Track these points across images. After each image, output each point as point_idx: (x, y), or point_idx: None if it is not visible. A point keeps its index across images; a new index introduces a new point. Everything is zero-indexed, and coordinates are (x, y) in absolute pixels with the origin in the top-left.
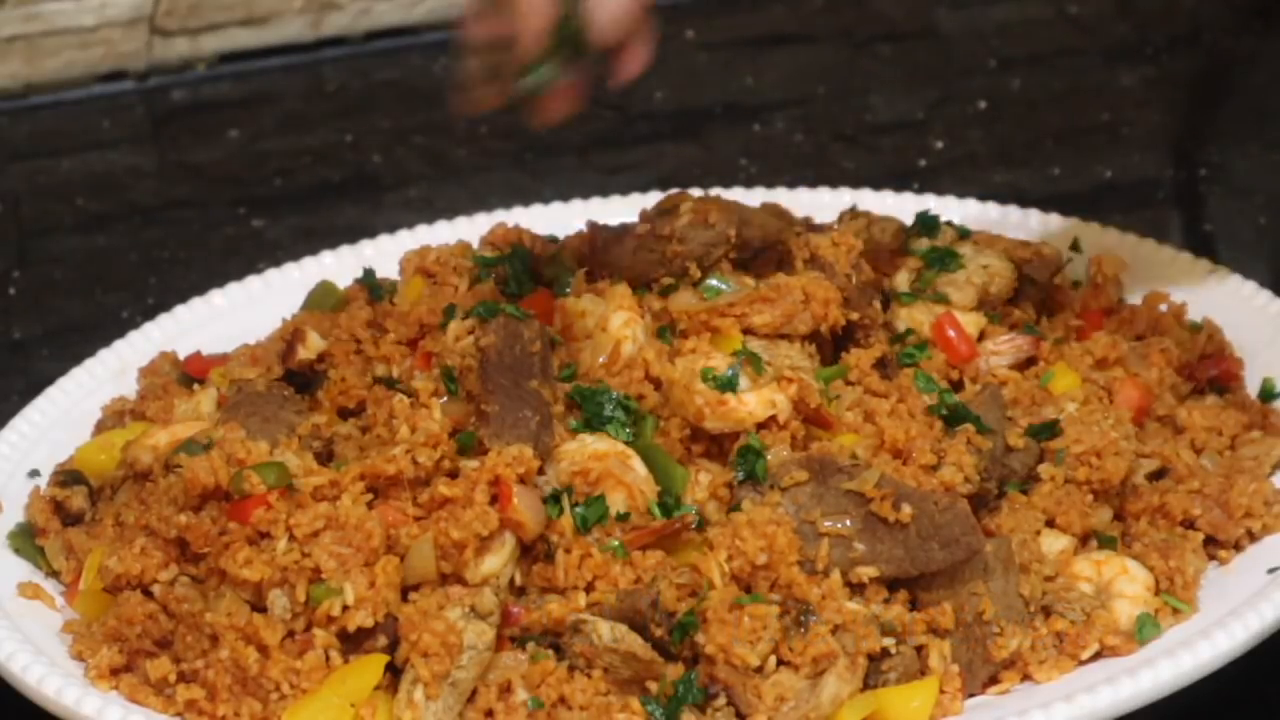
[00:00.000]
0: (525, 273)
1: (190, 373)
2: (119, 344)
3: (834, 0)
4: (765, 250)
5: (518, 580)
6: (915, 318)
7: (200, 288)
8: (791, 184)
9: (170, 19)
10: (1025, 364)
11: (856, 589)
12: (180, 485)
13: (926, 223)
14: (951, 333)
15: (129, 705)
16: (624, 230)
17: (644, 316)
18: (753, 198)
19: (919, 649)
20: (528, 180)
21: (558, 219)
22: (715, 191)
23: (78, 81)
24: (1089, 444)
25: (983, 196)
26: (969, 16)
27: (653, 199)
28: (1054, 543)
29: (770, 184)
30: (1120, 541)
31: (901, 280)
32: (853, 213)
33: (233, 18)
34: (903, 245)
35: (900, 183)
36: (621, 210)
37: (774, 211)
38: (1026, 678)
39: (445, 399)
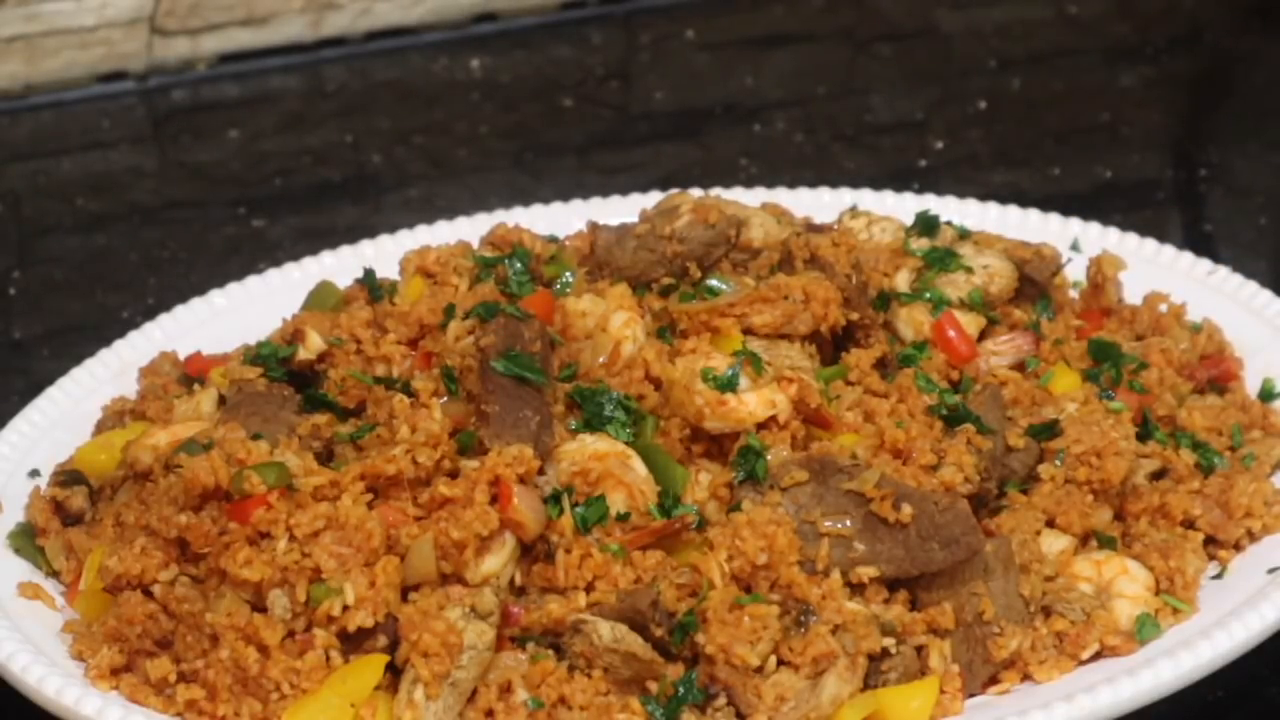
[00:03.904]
0: (525, 273)
1: (190, 373)
2: (119, 344)
3: (834, 0)
4: (765, 250)
5: (518, 580)
6: (915, 318)
7: (200, 288)
8: (791, 184)
9: (170, 19)
10: (1020, 364)
11: (856, 589)
12: (180, 485)
13: (926, 223)
14: (951, 333)
15: (129, 705)
16: (624, 230)
17: (644, 316)
18: (753, 198)
19: (919, 649)
20: (528, 180)
21: (558, 219)
22: (715, 191)
23: (78, 81)
24: (1089, 444)
25: (983, 196)
26: (969, 16)
27: (653, 199)
28: (1054, 543)
29: (770, 184)
30: (1120, 541)
31: (901, 280)
32: (853, 213)
33: (233, 18)
34: (903, 245)
35: (900, 183)
36: (621, 210)
37: (774, 211)
38: (1026, 678)
39: (445, 399)
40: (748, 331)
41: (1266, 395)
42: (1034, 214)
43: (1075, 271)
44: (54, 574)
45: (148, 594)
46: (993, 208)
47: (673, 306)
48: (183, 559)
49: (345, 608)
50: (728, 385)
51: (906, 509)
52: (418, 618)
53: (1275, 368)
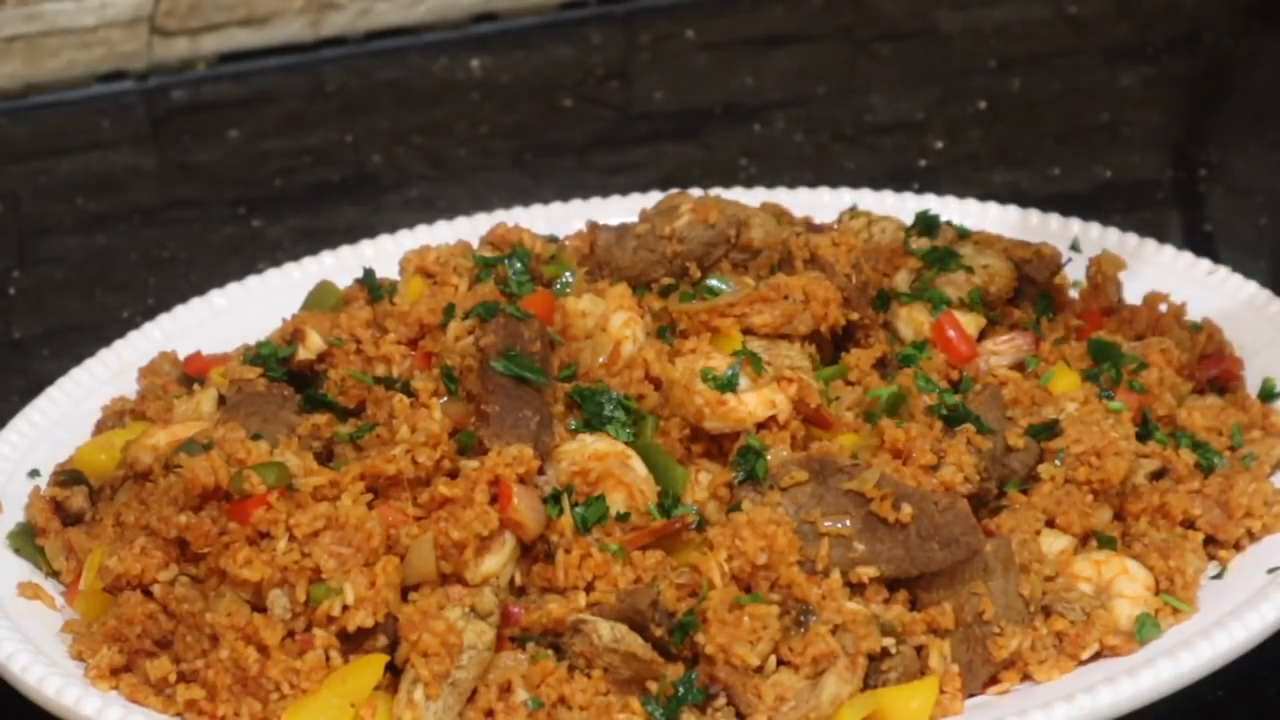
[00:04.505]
0: (525, 273)
1: (190, 373)
2: (119, 344)
3: (834, 0)
4: (765, 250)
5: (518, 580)
6: (915, 318)
7: (200, 288)
8: (791, 184)
9: (170, 19)
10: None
11: (856, 589)
12: (180, 485)
13: (926, 223)
14: (951, 333)
15: (129, 705)
16: (624, 230)
17: (644, 316)
18: (753, 198)
19: (919, 649)
20: (528, 180)
21: (558, 219)
22: (715, 191)
23: (78, 81)
24: (1089, 444)
25: (983, 196)
26: (969, 16)
27: (653, 199)
28: (1054, 543)
29: (770, 184)
30: (1120, 541)
31: (901, 280)
32: (853, 213)
33: (233, 18)
34: (903, 245)
35: (900, 183)
36: (621, 210)
37: (774, 211)
38: (1026, 678)
39: (445, 399)
40: (748, 331)
41: (1266, 395)
42: (1034, 214)
43: (1075, 271)
44: (54, 574)
45: (148, 594)
46: (993, 208)
47: (673, 306)
48: (183, 559)
49: (345, 608)
50: (728, 385)
51: (906, 509)
52: (418, 618)
53: (1275, 368)
